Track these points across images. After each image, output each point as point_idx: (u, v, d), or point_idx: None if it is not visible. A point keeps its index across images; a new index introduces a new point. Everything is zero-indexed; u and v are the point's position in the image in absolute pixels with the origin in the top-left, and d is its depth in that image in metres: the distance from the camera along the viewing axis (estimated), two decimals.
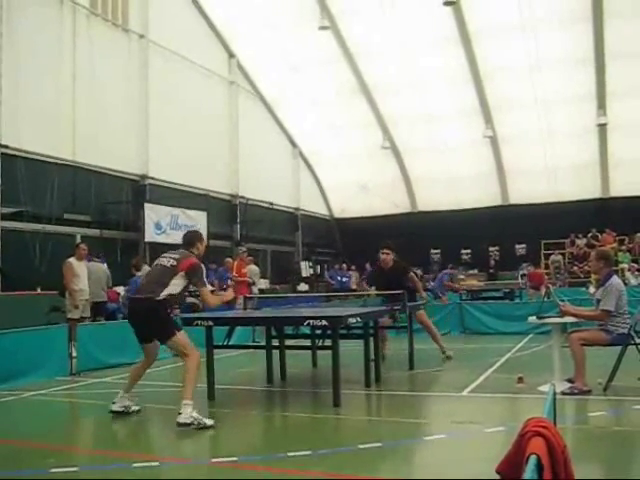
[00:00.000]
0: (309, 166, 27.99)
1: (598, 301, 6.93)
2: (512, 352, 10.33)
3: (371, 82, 23.19)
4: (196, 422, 5.58)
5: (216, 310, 8.29)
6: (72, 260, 10.72)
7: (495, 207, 26.17)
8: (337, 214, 29.38)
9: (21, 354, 8.56)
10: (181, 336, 6.01)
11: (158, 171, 18.32)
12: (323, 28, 19.86)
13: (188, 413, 5.60)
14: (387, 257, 10.23)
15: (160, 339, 6.12)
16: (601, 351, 7.00)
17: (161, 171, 18.41)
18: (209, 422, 5.65)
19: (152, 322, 6.04)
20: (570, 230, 24.17)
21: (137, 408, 6.39)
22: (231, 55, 22.60)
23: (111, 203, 16.86)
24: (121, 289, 13.83)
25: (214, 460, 4.90)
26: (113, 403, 6.26)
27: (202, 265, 6.30)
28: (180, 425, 5.59)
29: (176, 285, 6.07)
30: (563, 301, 7.46)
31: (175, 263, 6.14)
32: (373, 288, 10.59)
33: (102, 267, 12.31)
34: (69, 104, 15.54)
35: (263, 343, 8.80)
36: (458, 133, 24.28)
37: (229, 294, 7.34)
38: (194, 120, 19.90)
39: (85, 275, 10.89)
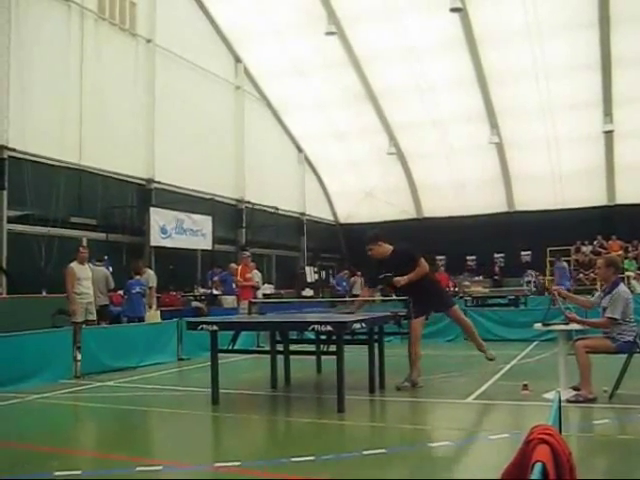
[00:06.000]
0: (315, 171, 28.00)
1: (604, 309, 6.90)
2: (517, 359, 10.31)
3: (377, 88, 23.19)
4: None
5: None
6: (73, 265, 10.74)
7: (501, 214, 26.11)
8: (342, 220, 29.35)
9: (26, 357, 8.59)
10: None
11: (164, 175, 18.35)
12: (330, 34, 19.89)
13: None
14: None
15: None
16: (607, 359, 6.97)
17: (167, 175, 18.44)
18: None
19: None
20: (576, 237, 24.08)
21: None
22: (238, 60, 22.66)
23: (117, 207, 16.89)
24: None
25: (217, 465, 4.89)
26: None
27: None
28: None
29: None
30: (568, 309, 7.42)
31: None
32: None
33: (101, 270, 12.36)
34: (76, 108, 15.58)
35: (267, 348, 8.79)
36: (464, 139, 24.25)
37: None
38: (200, 124, 19.96)
39: (89, 277, 10.94)
